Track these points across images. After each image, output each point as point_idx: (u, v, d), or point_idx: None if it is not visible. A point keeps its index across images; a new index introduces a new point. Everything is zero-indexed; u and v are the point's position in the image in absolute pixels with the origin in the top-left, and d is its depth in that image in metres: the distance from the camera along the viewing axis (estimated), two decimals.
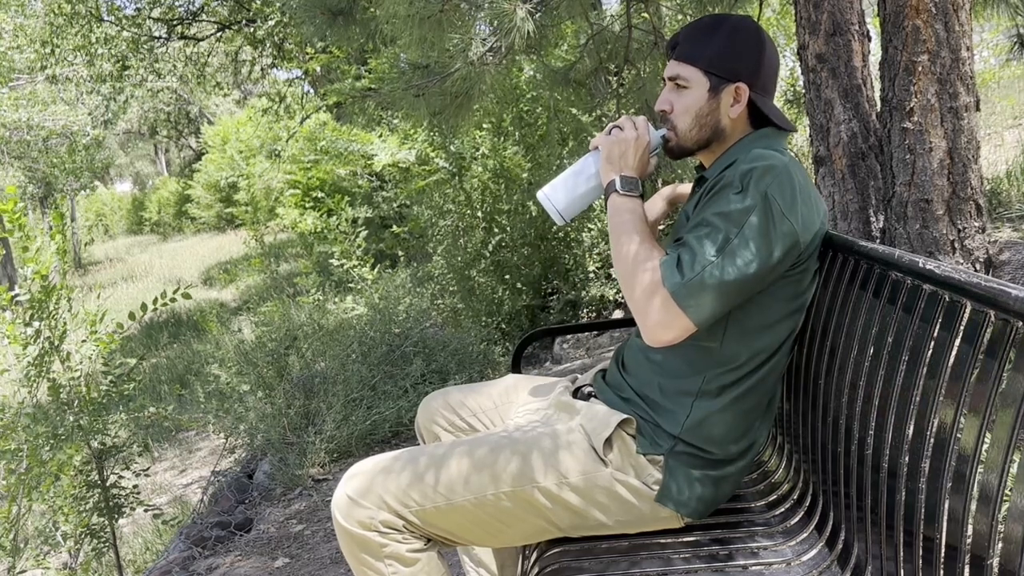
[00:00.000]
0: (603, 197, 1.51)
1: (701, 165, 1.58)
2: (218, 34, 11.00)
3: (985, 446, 0.97)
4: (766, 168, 1.34)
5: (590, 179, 1.53)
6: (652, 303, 1.33)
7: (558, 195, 1.53)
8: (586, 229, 5.60)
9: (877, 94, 2.56)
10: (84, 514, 3.06)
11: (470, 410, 1.75)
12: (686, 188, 1.86)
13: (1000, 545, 0.92)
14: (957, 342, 1.05)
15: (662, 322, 1.32)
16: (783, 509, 1.53)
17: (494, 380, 1.84)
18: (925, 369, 1.11)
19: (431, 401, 1.79)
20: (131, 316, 3.13)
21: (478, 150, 5.88)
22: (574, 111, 5.45)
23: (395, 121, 7.97)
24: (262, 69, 11.87)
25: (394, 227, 8.36)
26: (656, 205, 1.90)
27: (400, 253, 8.08)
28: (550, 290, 5.81)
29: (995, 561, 0.93)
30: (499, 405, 1.75)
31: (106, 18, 10.38)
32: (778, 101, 6.02)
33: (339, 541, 1.44)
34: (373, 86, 7.31)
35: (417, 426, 1.81)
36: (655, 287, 1.32)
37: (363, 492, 1.40)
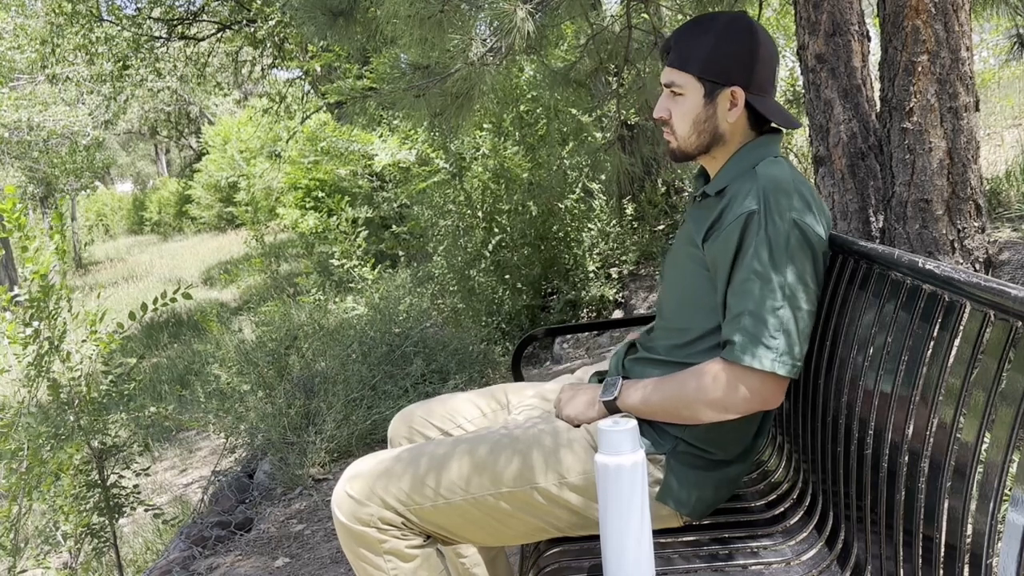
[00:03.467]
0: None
1: (703, 174, 1.56)
2: (218, 34, 11.00)
3: (985, 446, 0.97)
4: (778, 190, 1.33)
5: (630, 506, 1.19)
6: (750, 390, 1.30)
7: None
8: (586, 229, 5.60)
9: (877, 94, 2.56)
10: (84, 514, 3.06)
11: (465, 417, 1.73)
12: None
13: (1000, 545, 0.92)
14: (957, 342, 1.05)
15: (769, 396, 1.31)
16: (783, 508, 1.53)
17: (481, 388, 1.83)
18: (925, 369, 1.11)
19: (413, 410, 1.75)
20: (131, 316, 3.13)
21: (478, 150, 5.88)
22: (574, 111, 5.45)
23: (395, 121, 7.97)
24: (262, 69, 11.87)
25: (394, 227, 8.36)
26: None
27: (400, 253, 8.08)
28: (550, 290, 5.81)
29: (995, 561, 0.93)
30: (491, 413, 1.74)
31: (106, 18, 10.37)
32: (778, 100, 6.02)
33: (339, 537, 1.44)
34: (374, 86, 7.31)
35: (390, 440, 1.79)
36: (737, 377, 1.30)
37: (363, 489, 1.41)
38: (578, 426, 1.47)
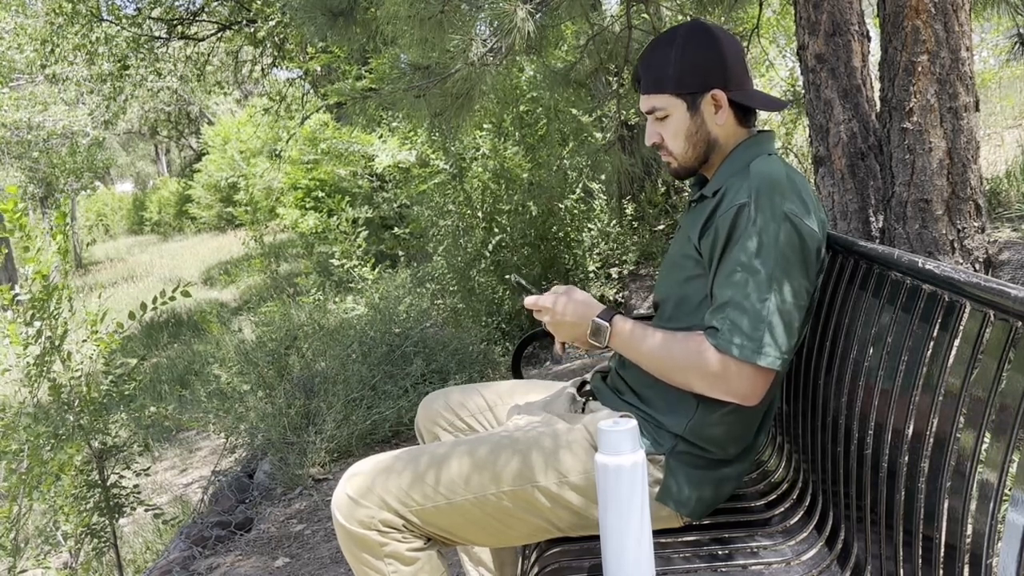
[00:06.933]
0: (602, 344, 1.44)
1: (699, 178, 1.56)
2: (218, 34, 10.99)
3: (985, 446, 0.97)
4: (771, 184, 1.33)
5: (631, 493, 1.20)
6: (727, 378, 1.30)
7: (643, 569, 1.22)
8: (586, 229, 5.60)
9: (877, 94, 2.56)
10: (85, 514, 3.06)
11: (469, 411, 1.75)
12: None
13: (1000, 545, 0.92)
14: (957, 342, 1.05)
15: (749, 389, 1.31)
16: (783, 508, 1.53)
17: (495, 381, 1.84)
18: (925, 369, 1.11)
19: (432, 402, 1.79)
20: (131, 316, 3.13)
21: (478, 150, 5.89)
22: (574, 111, 5.45)
23: (395, 123, 7.97)
24: (263, 69, 11.85)
25: (395, 227, 8.36)
26: None
27: (400, 253, 8.08)
28: None
29: (995, 561, 0.93)
30: (500, 406, 1.75)
31: (106, 17, 10.37)
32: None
33: (339, 540, 1.44)
34: (374, 86, 7.31)
35: (417, 426, 1.81)
36: (719, 363, 1.30)
37: (363, 492, 1.40)
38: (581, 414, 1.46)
